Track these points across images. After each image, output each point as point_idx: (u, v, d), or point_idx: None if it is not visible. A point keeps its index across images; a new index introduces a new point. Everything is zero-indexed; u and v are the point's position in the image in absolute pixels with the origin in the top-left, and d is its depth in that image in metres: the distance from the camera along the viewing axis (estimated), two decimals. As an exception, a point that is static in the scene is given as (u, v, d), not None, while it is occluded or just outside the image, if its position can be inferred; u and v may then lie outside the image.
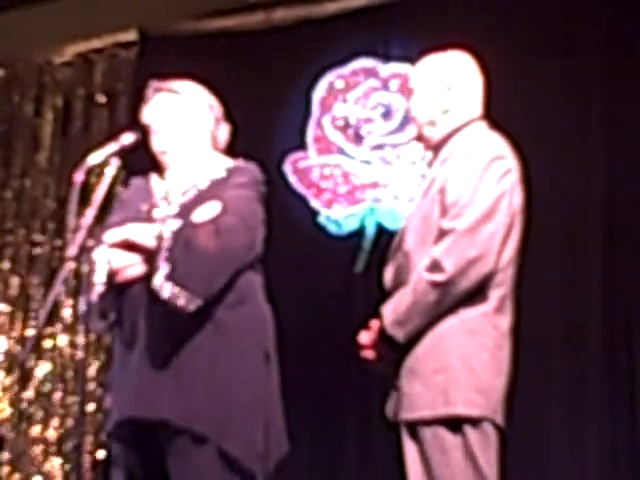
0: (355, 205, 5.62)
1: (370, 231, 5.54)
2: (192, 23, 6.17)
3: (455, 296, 2.83)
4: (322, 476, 5.22)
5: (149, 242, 2.72)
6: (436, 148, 3.07)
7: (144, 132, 3.05)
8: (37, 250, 6.47)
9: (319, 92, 5.78)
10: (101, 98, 6.48)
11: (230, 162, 3.04)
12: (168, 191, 2.97)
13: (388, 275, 3.06)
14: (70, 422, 6.06)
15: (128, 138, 2.97)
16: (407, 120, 5.53)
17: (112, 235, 2.79)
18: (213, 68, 4.93)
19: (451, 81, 3.05)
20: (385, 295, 3.04)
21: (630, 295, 4.82)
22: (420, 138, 3.13)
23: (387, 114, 5.65)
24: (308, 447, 4.91)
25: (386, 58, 5.69)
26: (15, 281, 6.47)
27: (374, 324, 2.98)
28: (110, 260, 2.77)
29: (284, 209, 5.40)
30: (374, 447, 5.16)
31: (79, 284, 5.94)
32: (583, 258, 4.97)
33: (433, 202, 2.92)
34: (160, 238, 2.70)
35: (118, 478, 2.94)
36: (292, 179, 5.74)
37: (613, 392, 4.74)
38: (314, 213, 5.70)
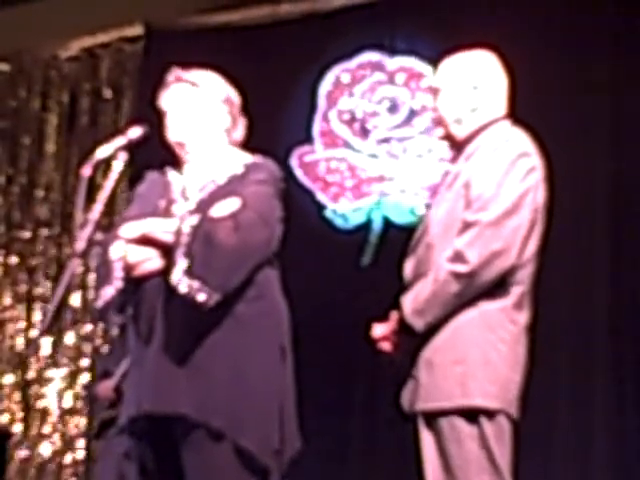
0: (361, 199, 5.63)
1: (377, 225, 5.55)
2: (198, 17, 6.18)
3: (476, 288, 2.85)
4: (329, 467, 5.23)
5: (167, 237, 2.72)
6: (461, 145, 3.09)
7: (158, 118, 3.04)
8: (45, 245, 6.49)
9: (325, 86, 5.79)
10: (107, 92, 6.49)
11: (248, 158, 3.03)
12: (185, 186, 2.96)
13: (408, 268, 3.07)
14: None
15: (135, 132, 2.95)
16: (413, 113, 5.56)
17: (129, 229, 2.79)
18: (219, 62, 4.92)
19: (478, 80, 3.07)
20: (395, 287, 3.06)
21: (636, 286, 4.84)
22: (446, 137, 3.14)
23: (393, 108, 5.65)
24: (315, 439, 4.92)
25: (392, 52, 5.69)
26: (23, 276, 6.50)
27: (393, 315, 3.01)
28: (126, 254, 2.77)
29: (290, 203, 5.40)
30: (380, 439, 5.20)
31: (86, 278, 5.98)
32: (589, 247, 5.00)
33: (458, 196, 2.95)
34: (178, 233, 2.70)
35: (131, 472, 2.96)
36: (298, 173, 5.74)
37: (619, 386, 4.77)
38: (320, 207, 5.71)
